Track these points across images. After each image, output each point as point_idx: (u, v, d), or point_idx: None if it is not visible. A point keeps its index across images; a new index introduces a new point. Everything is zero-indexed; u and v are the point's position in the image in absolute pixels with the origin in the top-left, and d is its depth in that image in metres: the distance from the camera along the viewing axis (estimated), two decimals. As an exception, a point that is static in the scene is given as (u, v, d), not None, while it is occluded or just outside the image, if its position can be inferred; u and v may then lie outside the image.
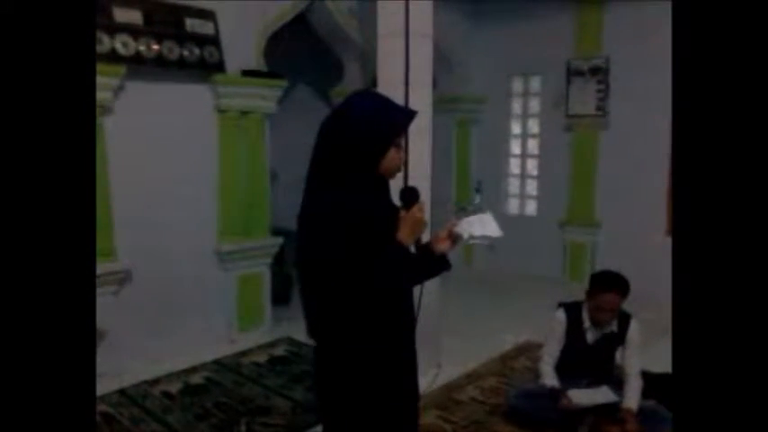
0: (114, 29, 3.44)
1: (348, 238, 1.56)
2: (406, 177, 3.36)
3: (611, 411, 2.90)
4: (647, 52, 5.23)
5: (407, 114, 1.71)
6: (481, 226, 1.77)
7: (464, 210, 6.79)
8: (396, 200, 1.76)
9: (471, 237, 1.76)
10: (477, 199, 6.85)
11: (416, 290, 1.82)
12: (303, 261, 1.66)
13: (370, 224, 1.60)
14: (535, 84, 6.42)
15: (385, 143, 1.64)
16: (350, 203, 1.59)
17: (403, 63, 3.40)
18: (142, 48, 3.56)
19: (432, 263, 1.79)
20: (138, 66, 3.56)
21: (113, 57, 3.43)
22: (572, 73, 5.77)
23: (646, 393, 2.96)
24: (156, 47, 3.63)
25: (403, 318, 1.77)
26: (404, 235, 1.64)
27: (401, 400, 1.80)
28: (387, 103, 1.71)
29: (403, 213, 1.68)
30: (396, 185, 1.77)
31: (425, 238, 1.79)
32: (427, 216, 1.77)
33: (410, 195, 1.70)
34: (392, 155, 1.66)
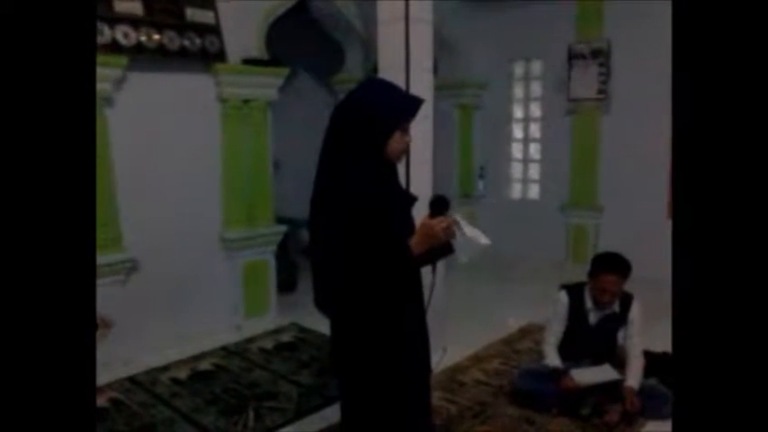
0: (114, 19, 3.46)
1: (351, 221, 1.62)
2: (407, 163, 3.38)
3: (613, 390, 2.94)
4: (649, 34, 5.21)
5: (414, 101, 1.77)
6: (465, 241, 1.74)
7: (468, 197, 6.82)
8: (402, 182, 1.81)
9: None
10: (481, 185, 6.86)
11: (428, 275, 1.87)
12: (312, 241, 1.74)
13: (374, 206, 1.66)
14: (536, 68, 6.41)
15: (390, 126, 1.69)
16: (355, 186, 1.66)
17: (403, 49, 3.41)
18: (143, 38, 3.58)
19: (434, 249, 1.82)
20: (139, 56, 3.58)
21: (114, 47, 3.44)
22: (573, 56, 5.75)
23: (647, 372, 3.00)
24: (156, 37, 3.64)
25: (409, 294, 1.83)
26: (415, 242, 1.67)
27: (413, 371, 1.86)
28: (395, 89, 1.81)
29: (426, 220, 1.70)
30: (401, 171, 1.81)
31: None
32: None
33: (440, 205, 1.72)
34: (397, 138, 1.72)
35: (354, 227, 1.63)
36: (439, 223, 1.66)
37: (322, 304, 1.83)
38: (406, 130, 1.74)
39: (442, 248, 1.82)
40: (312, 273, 1.82)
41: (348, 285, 1.68)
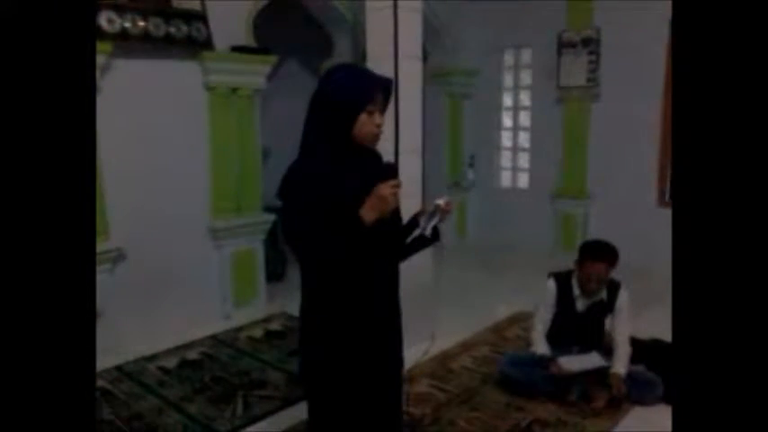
0: (99, 5, 3.40)
1: (310, 206, 1.63)
2: (396, 151, 3.37)
3: (600, 377, 2.96)
4: (638, 22, 5.22)
5: (378, 82, 1.74)
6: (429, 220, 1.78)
7: (458, 186, 6.83)
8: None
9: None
10: (471, 174, 6.86)
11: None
12: (283, 226, 1.76)
13: (334, 192, 1.65)
14: (526, 56, 6.39)
15: (354, 109, 1.67)
16: (315, 172, 1.66)
17: (392, 36, 3.38)
18: (128, 24, 3.52)
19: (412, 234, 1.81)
20: (124, 43, 3.52)
21: (99, 34, 3.38)
22: (563, 45, 5.74)
23: (634, 359, 3.02)
24: (142, 23, 3.59)
25: (377, 283, 1.82)
26: (365, 210, 1.63)
27: (380, 365, 1.85)
28: (359, 72, 1.79)
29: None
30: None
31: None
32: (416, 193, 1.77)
33: (386, 171, 1.71)
34: (363, 121, 1.69)
35: (310, 207, 1.63)
36: (388, 186, 1.62)
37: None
38: (372, 113, 1.69)
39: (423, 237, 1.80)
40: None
41: (307, 268, 1.72)
